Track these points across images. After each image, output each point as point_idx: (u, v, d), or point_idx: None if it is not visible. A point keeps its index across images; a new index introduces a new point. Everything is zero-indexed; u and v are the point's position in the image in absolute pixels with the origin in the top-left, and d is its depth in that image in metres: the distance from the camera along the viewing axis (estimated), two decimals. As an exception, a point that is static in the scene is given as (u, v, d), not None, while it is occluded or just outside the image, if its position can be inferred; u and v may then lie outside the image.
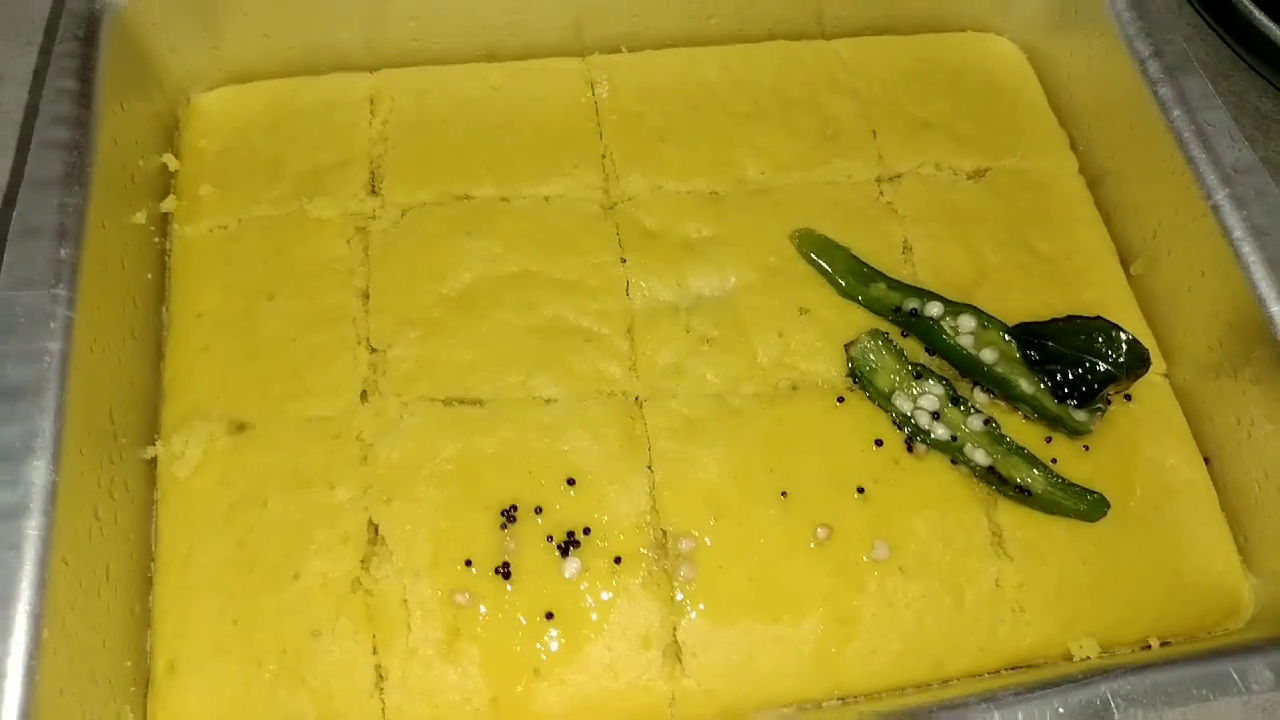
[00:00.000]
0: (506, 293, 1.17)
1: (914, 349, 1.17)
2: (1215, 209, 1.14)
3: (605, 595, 1.01)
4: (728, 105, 1.33)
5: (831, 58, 1.41)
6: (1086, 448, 1.13)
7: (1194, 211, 1.17)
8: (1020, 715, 0.89)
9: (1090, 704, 0.89)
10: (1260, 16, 1.56)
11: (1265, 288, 1.09)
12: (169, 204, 1.23)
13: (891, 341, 1.14)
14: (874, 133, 1.33)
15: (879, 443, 1.11)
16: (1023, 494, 1.07)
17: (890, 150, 1.32)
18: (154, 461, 1.08)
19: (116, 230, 1.10)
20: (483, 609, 0.99)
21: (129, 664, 0.97)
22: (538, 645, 0.99)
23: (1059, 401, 1.12)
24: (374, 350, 1.13)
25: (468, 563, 1.01)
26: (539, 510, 1.04)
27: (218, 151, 1.28)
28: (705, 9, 1.39)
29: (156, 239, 1.20)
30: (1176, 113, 1.21)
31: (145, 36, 1.25)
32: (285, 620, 0.99)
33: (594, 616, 1.00)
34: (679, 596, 1.02)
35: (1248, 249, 1.11)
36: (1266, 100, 1.64)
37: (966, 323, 1.16)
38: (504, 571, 1.01)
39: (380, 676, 0.97)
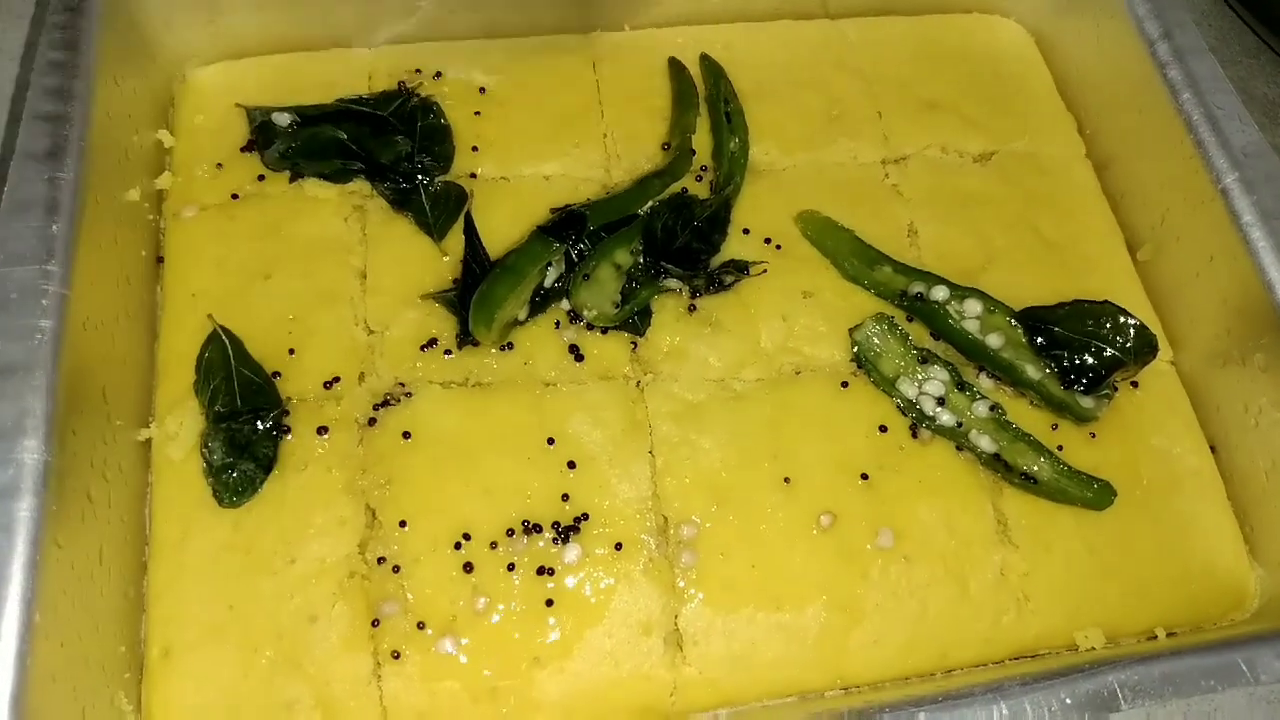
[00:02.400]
0: (507, 273, 1.15)
1: (919, 333, 1.16)
2: (1224, 193, 1.13)
3: (606, 582, 1.00)
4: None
5: (837, 38, 1.39)
6: (1093, 435, 1.12)
7: (1202, 196, 1.15)
8: (1027, 706, 0.88)
9: (1097, 694, 0.89)
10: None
11: (1275, 273, 1.08)
12: (164, 181, 1.20)
13: (896, 326, 1.13)
14: (879, 114, 1.32)
15: (883, 428, 1.09)
16: (1028, 481, 1.06)
17: (896, 132, 1.31)
18: (149, 443, 1.06)
19: (109, 206, 1.08)
20: (482, 595, 0.98)
21: (123, 649, 0.95)
22: (537, 632, 0.98)
23: (1065, 388, 1.11)
24: (371, 331, 1.11)
25: (466, 546, 1.00)
26: (539, 499, 1.03)
27: (214, 128, 1.25)
28: (709, -13, 1.37)
29: (151, 216, 1.18)
30: (1186, 96, 1.19)
31: (139, 10, 1.22)
32: (282, 605, 0.98)
33: (594, 604, 0.99)
34: (680, 583, 1.01)
35: (1257, 234, 1.10)
36: (1274, 87, 1.63)
37: (972, 307, 1.14)
38: (503, 557, 1.00)
39: (378, 663, 0.96)
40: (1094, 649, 1.03)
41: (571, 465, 1.04)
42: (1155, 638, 1.05)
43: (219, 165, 1.22)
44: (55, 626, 0.85)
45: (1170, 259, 1.22)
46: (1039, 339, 1.12)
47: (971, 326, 1.14)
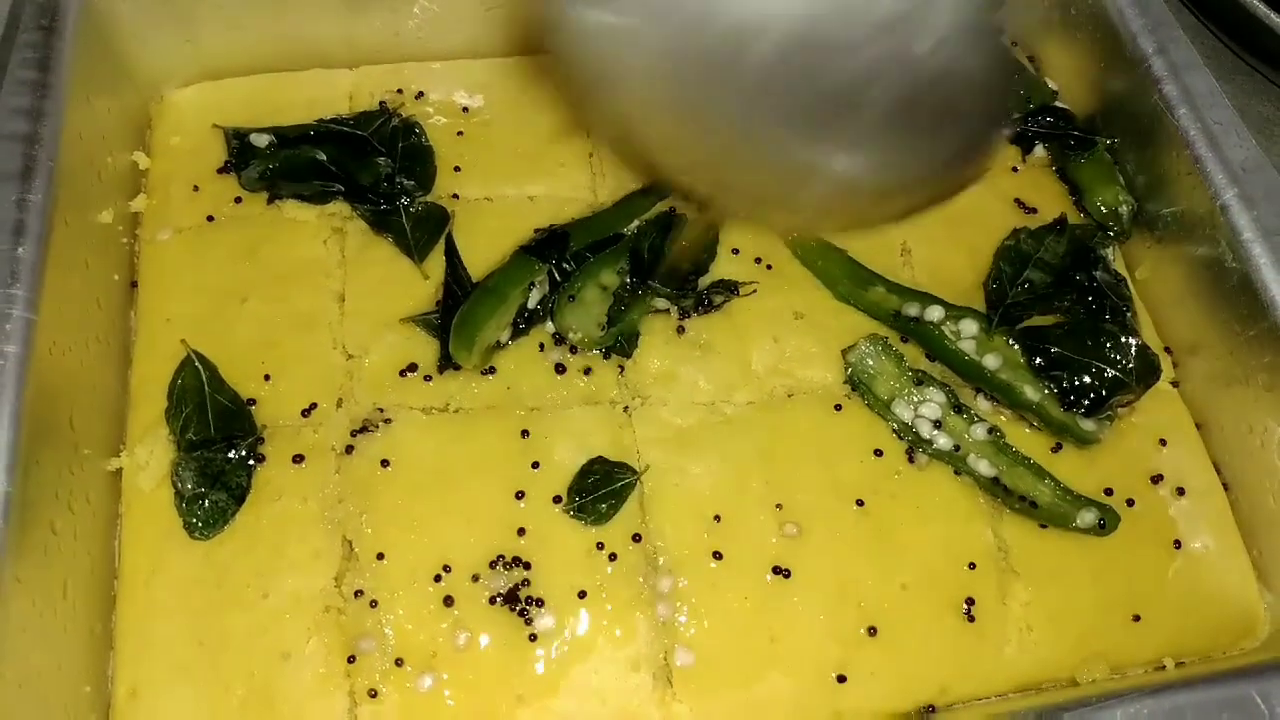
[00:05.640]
0: (490, 296, 1.12)
1: (914, 355, 1.13)
2: (1224, 209, 1.10)
3: (592, 615, 0.96)
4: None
5: (828, 55, 1.37)
6: (1095, 458, 1.08)
7: (1201, 212, 1.12)
8: (1031, 741, 0.85)
9: (1104, 729, 0.85)
10: (1266, 11, 1.52)
11: (1277, 291, 1.05)
12: (139, 203, 1.18)
13: (891, 347, 1.10)
14: (871, 132, 1.29)
15: (878, 453, 1.06)
16: (1029, 507, 1.03)
17: (888, 150, 1.28)
18: (118, 473, 1.03)
19: (81, 229, 1.05)
20: (463, 630, 0.95)
21: (88, 689, 0.91)
22: (520, 668, 0.94)
23: (1066, 409, 1.08)
24: (350, 356, 1.08)
25: (447, 578, 0.96)
26: (522, 529, 0.99)
27: (191, 150, 1.23)
28: (697, 6, 1.35)
29: (125, 239, 1.15)
30: (1182, 111, 1.17)
31: (115, 29, 1.20)
32: (254, 641, 0.94)
33: (580, 638, 0.95)
34: (670, 616, 0.97)
35: (1258, 250, 1.07)
36: (1269, 104, 1.61)
37: (968, 327, 1.12)
38: (485, 590, 0.96)
39: (354, 702, 0.93)
40: (1096, 680, 0.99)
41: (557, 499, 1.01)
42: (1163, 668, 1.01)
43: (195, 187, 1.19)
44: (13, 666, 0.81)
45: (1168, 277, 1.19)
46: (1037, 359, 1.10)
47: (968, 347, 1.11)
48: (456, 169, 1.22)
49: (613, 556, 0.99)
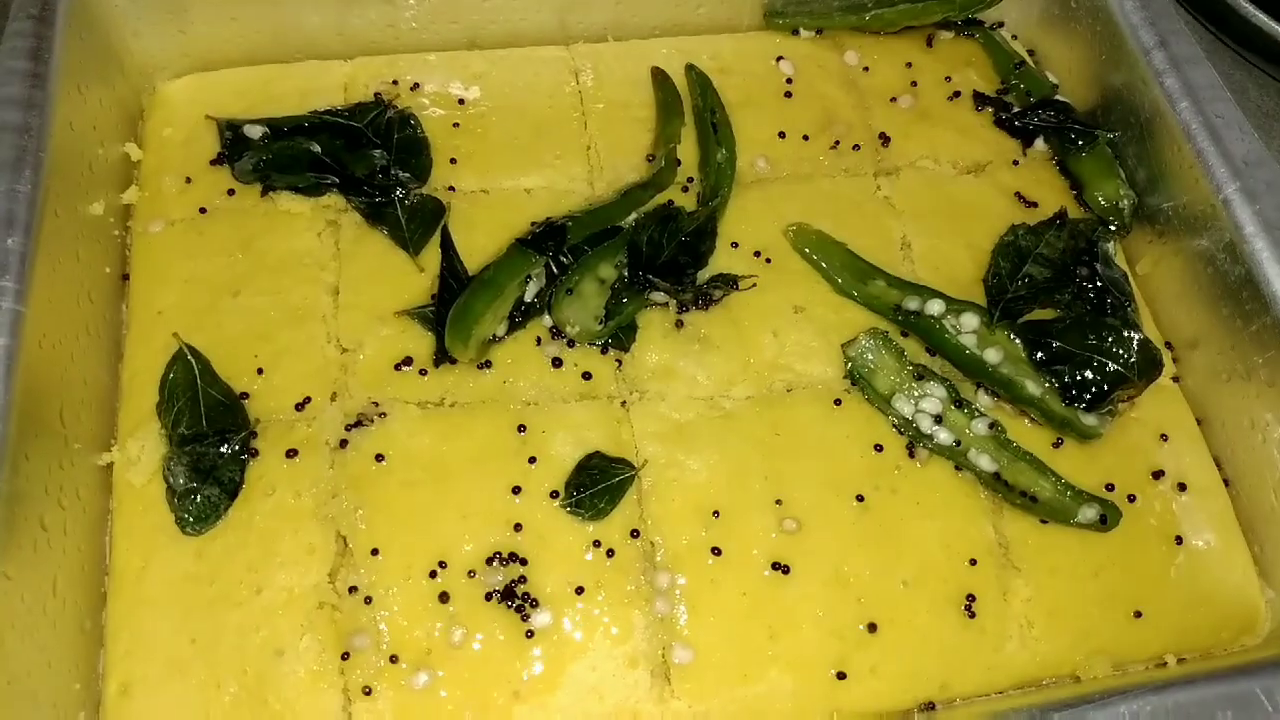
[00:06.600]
0: (485, 289, 1.11)
1: (914, 349, 1.12)
2: (1225, 203, 1.09)
3: (590, 612, 0.95)
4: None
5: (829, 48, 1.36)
6: (1096, 454, 1.07)
7: (1203, 206, 1.12)
8: (1033, 739, 0.84)
9: (1108, 727, 0.84)
10: (1258, 14, 1.52)
11: (1278, 285, 1.04)
12: (130, 195, 1.17)
13: (891, 341, 1.10)
14: (871, 125, 1.28)
15: (879, 448, 1.05)
16: (1030, 502, 1.02)
17: (888, 143, 1.27)
18: (109, 467, 1.02)
19: (72, 220, 1.04)
20: (458, 626, 0.94)
21: (77, 686, 0.91)
22: (517, 665, 0.93)
23: (1067, 404, 1.07)
24: (344, 350, 1.07)
25: (442, 574, 0.95)
26: (519, 525, 0.98)
27: (183, 141, 1.22)
28: (693, -2, 1.35)
29: (116, 231, 1.14)
30: (1184, 105, 1.16)
31: (107, 19, 1.20)
32: (247, 638, 0.93)
33: (577, 635, 0.95)
34: (668, 612, 0.96)
35: (1260, 244, 1.06)
36: (1268, 98, 1.61)
37: (969, 321, 1.11)
38: (481, 586, 0.95)
39: (348, 699, 0.92)
40: (1100, 677, 0.98)
41: (554, 495, 1.00)
42: (1165, 664, 1.01)
43: (188, 179, 1.18)
44: (1, 663, 0.80)
45: (1170, 272, 1.18)
46: (1039, 354, 1.09)
47: (969, 341, 1.10)
48: (452, 161, 1.21)
49: (610, 552, 0.98)
